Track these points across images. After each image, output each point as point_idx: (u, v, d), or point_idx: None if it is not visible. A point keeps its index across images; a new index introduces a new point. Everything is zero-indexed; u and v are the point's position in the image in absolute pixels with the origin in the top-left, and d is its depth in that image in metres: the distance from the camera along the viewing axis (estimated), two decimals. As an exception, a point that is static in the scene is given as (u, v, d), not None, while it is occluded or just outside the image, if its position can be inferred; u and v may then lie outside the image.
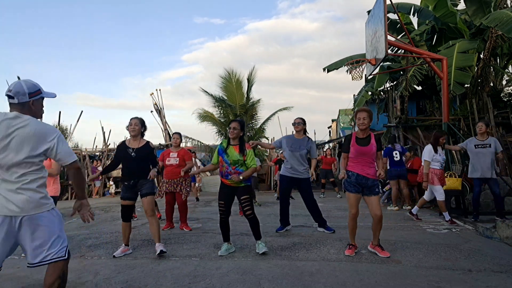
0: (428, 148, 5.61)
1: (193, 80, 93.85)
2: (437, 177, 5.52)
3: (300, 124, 5.17)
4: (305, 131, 5.28)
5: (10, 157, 2.04)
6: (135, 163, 4.04)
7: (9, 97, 2.13)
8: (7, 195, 2.04)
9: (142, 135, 4.21)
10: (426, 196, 5.78)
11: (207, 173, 14.99)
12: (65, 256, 2.16)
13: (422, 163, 5.77)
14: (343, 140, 4.44)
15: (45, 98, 2.29)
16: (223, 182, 4.04)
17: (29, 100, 2.14)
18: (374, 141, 3.81)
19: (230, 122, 4.09)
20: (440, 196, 5.54)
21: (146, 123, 4.30)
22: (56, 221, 2.17)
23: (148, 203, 4.03)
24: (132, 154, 4.04)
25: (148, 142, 4.21)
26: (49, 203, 2.16)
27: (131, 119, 4.16)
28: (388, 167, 7.43)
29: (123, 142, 4.20)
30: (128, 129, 4.13)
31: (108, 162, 14.53)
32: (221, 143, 4.09)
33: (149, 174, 4.07)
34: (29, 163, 2.08)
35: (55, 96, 2.33)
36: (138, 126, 4.11)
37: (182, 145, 6.10)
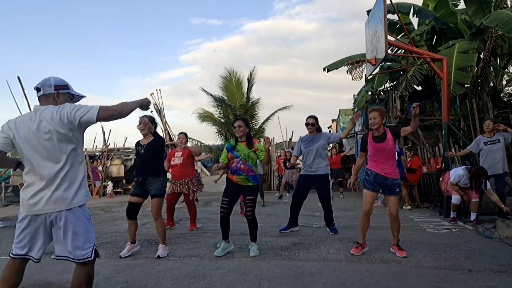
0: (460, 174, 5.43)
1: (192, 80, 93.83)
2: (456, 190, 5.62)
3: (314, 125, 5.09)
4: (319, 129, 5.16)
5: None
6: (143, 160, 4.03)
7: (37, 90, 2.19)
8: None
9: (154, 132, 4.20)
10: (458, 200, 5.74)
11: (207, 173, 14.99)
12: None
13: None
14: (359, 140, 4.40)
15: (79, 100, 2.34)
16: (231, 179, 3.98)
17: (54, 92, 2.18)
18: (390, 135, 3.79)
19: (233, 121, 4.07)
20: (454, 200, 5.69)
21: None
22: None
23: (154, 205, 3.98)
24: (141, 151, 4.06)
25: (155, 137, 4.16)
26: None
27: (140, 118, 4.13)
28: None
29: (138, 141, 4.21)
30: (138, 128, 4.12)
31: (108, 162, 14.58)
32: (229, 142, 4.09)
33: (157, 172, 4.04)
34: None
35: (85, 97, 2.35)
36: (148, 125, 4.10)
37: None
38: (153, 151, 4.07)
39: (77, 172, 2.15)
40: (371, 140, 3.86)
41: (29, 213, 2.08)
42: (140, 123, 4.09)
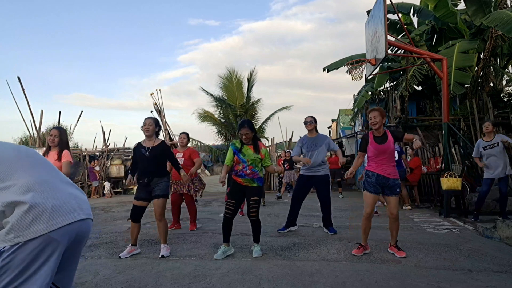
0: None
1: (190, 80, 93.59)
2: None
3: (312, 123, 5.16)
4: (316, 130, 5.23)
5: None
6: (149, 162, 4.02)
7: None
8: None
9: (157, 134, 4.21)
10: None
11: (207, 173, 14.99)
12: None
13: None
14: (359, 140, 4.36)
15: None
16: (236, 181, 3.97)
17: None
18: (391, 137, 3.79)
19: (238, 128, 4.01)
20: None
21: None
22: None
23: (159, 206, 3.98)
24: (146, 153, 4.04)
25: (163, 141, 4.20)
26: None
27: (145, 119, 4.16)
28: None
29: (139, 143, 4.20)
30: (142, 130, 4.13)
31: (108, 162, 14.58)
32: (234, 143, 4.05)
33: (163, 174, 4.07)
34: None
35: None
36: (152, 126, 4.11)
37: None
38: (159, 155, 4.08)
39: None
40: (372, 141, 3.81)
41: None
42: (145, 124, 4.10)
